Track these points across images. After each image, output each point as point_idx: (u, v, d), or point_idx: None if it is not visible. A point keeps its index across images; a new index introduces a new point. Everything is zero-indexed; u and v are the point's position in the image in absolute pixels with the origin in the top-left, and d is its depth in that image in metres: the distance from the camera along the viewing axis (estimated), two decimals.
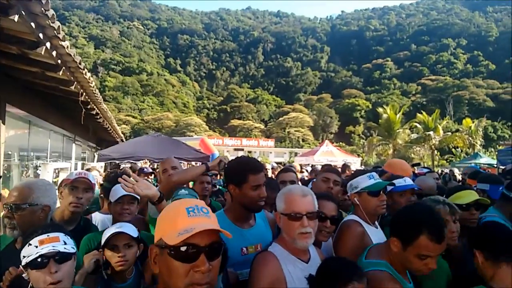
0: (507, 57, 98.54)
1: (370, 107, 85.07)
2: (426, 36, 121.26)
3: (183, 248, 1.19)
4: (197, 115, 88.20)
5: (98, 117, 8.16)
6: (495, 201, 3.28)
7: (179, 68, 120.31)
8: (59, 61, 3.99)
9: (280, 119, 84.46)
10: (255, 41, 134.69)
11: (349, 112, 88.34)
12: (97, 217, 3.58)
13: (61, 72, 4.23)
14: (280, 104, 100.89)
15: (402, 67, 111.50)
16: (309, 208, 2.01)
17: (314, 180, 3.87)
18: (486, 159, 21.88)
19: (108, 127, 10.81)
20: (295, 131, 78.33)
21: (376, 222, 2.74)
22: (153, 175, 8.84)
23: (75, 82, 5.02)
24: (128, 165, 10.31)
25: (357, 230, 2.50)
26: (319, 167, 14.97)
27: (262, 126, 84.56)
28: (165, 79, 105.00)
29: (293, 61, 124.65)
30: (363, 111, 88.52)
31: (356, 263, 1.93)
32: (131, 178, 2.41)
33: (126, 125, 69.52)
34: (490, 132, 64.04)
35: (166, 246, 1.21)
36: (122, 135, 16.57)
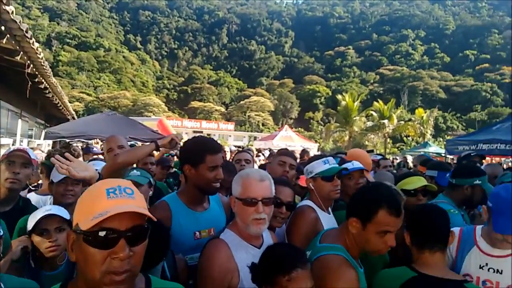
0: (461, 50, 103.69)
1: (330, 94, 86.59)
2: (387, 26, 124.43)
3: (101, 233, 1.07)
4: (156, 95, 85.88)
5: (47, 91, 7.69)
6: (444, 188, 3.42)
7: (139, 45, 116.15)
8: (2, 27, 3.66)
9: (241, 102, 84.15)
10: (220, 21, 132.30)
11: (309, 98, 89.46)
12: (32, 198, 3.29)
13: (4, 40, 3.90)
14: (242, 87, 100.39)
15: (362, 55, 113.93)
16: (266, 194, 1.94)
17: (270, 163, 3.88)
18: (435, 148, 22.91)
19: (58, 103, 10.24)
20: (256, 115, 78.42)
21: (330, 208, 2.75)
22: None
23: (21, 52, 4.65)
24: (80, 144, 9.83)
25: (310, 216, 2.49)
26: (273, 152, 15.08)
27: (223, 109, 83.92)
28: (123, 56, 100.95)
29: (257, 44, 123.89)
30: (323, 97, 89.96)
31: (301, 249, 1.88)
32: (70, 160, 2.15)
33: (80, 102, 66.59)
34: (440, 123, 67.33)
35: (81, 232, 1.09)
36: (73, 113, 15.80)
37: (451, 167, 4.15)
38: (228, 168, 2.96)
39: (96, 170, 2.26)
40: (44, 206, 2.67)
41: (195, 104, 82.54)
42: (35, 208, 2.89)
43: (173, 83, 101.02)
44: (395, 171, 5.76)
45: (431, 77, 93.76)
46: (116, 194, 1.13)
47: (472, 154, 4.80)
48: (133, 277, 1.15)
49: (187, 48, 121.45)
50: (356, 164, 3.16)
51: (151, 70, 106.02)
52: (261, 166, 4.91)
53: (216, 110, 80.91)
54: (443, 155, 15.13)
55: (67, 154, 2.08)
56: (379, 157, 6.72)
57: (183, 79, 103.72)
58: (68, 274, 2.16)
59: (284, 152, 3.60)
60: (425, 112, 32.12)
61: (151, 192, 3.32)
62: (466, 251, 2.22)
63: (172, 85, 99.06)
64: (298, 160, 4.46)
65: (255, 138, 47.35)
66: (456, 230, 2.29)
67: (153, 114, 59.98)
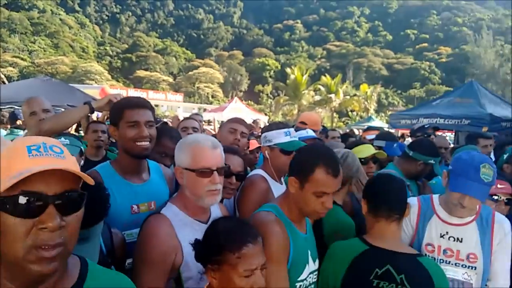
0: (403, 29, 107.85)
1: (279, 67, 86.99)
2: (334, 2, 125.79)
3: (22, 199, 0.87)
4: (97, 62, 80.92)
5: None
6: (390, 158, 3.46)
7: (77, 8, 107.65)
8: None
9: (190, 73, 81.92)
10: None
11: (259, 71, 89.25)
12: None
13: None
14: (190, 57, 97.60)
15: (310, 30, 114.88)
16: (220, 162, 1.78)
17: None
18: (378, 122, 23.92)
19: None
20: (205, 86, 76.95)
21: (282, 178, 2.63)
22: None
23: None
24: (10, 110, 8.95)
25: (261, 186, 2.38)
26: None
27: (171, 79, 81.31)
28: (60, 19, 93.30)
29: (205, 13, 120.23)
30: (272, 71, 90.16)
31: (248, 222, 1.71)
32: None
33: (13, 67, 61.17)
34: (383, 99, 70.25)
35: None
36: (3, 77, 14.39)
37: (398, 138, 4.28)
38: (172, 134, 2.67)
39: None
40: None
41: (140, 73, 79.03)
42: None
43: (116, 50, 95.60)
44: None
45: (375, 55, 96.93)
46: (40, 152, 0.93)
47: (426, 126, 4.92)
48: (65, 255, 0.96)
49: (130, 13, 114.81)
50: (310, 133, 3.10)
51: (91, 35, 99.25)
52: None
53: (163, 80, 78.13)
54: (386, 129, 15.86)
55: None
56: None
57: (126, 46, 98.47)
58: None
59: (235, 119, 3.34)
60: (369, 88, 33.29)
61: (82, 162, 3.00)
62: (427, 220, 2.21)
63: (115, 52, 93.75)
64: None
65: (204, 110, 46.65)
66: (413, 200, 2.27)
67: (95, 82, 56.70)
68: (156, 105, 51.10)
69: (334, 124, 33.72)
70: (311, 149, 1.97)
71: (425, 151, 3.06)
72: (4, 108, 8.88)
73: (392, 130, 12.35)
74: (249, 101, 66.07)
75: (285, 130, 2.50)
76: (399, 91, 79.46)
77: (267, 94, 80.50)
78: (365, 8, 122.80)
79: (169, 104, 56.84)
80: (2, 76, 13.99)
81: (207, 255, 1.53)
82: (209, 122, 11.52)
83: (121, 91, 50.64)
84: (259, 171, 2.52)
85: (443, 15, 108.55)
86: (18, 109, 8.47)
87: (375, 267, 1.82)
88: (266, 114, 37.56)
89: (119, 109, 2.05)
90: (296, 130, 3.12)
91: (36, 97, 3.04)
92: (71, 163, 0.97)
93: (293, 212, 1.87)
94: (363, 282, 1.83)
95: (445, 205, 2.17)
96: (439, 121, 9.17)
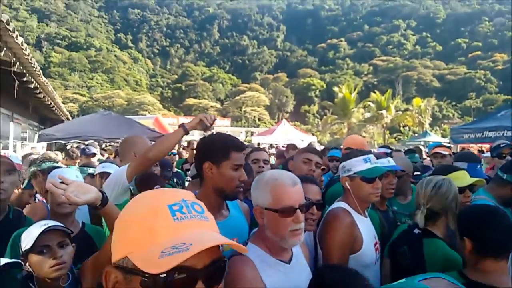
0: (453, 38, 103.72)
1: (325, 86, 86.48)
2: (378, 17, 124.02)
3: (176, 276, 0.75)
4: (150, 93, 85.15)
5: (38, 92, 7.29)
6: None
7: (130, 44, 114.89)
8: None
9: (236, 98, 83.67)
10: (210, 17, 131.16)
11: (304, 92, 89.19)
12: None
13: None
14: (236, 83, 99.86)
15: (355, 47, 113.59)
16: (301, 199, 1.68)
17: (291, 160, 3.53)
18: (435, 137, 22.82)
19: (51, 103, 9.84)
20: (251, 110, 78.07)
21: (366, 211, 2.45)
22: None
23: (5, 48, 4.27)
24: (75, 145, 9.48)
25: (345, 220, 2.22)
26: (280, 147, 14.78)
27: (218, 105, 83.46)
28: (115, 55, 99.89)
29: (249, 39, 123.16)
30: (317, 90, 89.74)
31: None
32: (64, 184, 1.75)
33: (74, 103, 65.76)
34: (436, 112, 67.34)
35: (137, 272, 0.76)
36: (67, 113, 15.40)
37: (480, 159, 3.88)
38: (246, 168, 2.63)
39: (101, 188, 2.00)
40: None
41: (190, 101, 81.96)
42: (29, 220, 2.59)
43: (166, 80, 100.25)
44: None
45: (425, 66, 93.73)
46: (184, 214, 0.82)
47: (501, 146, 4.43)
48: None
49: (178, 45, 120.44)
50: (392, 162, 2.87)
51: (143, 69, 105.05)
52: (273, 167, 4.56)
53: (211, 106, 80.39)
54: (447, 144, 15.00)
55: (60, 176, 1.72)
56: (383, 149, 6.23)
57: (176, 76, 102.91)
58: None
59: (309, 149, 3.27)
60: (422, 102, 32.00)
61: None
62: None
63: (166, 83, 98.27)
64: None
65: (252, 133, 47.11)
66: None
67: (148, 112, 59.38)
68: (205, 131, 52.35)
69: (385, 141, 32.62)
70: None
71: None
72: (68, 143, 9.44)
73: (452, 145, 11.70)
74: (296, 122, 65.96)
75: (364, 157, 2.35)
76: (453, 103, 75.79)
77: (313, 114, 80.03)
78: (411, 20, 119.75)
79: (218, 129, 57.75)
80: (66, 112, 14.98)
81: None
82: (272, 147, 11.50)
83: (172, 119, 52.75)
84: (341, 204, 2.36)
85: (496, 20, 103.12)
86: (82, 143, 8.99)
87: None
88: (313, 134, 37.20)
89: (225, 149, 1.99)
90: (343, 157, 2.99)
91: (134, 135, 3.37)
92: (213, 224, 0.88)
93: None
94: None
95: None
96: (506, 133, 8.51)
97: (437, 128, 46.15)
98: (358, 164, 2.34)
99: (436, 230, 2.13)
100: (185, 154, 7.08)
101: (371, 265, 2.22)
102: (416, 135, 28.78)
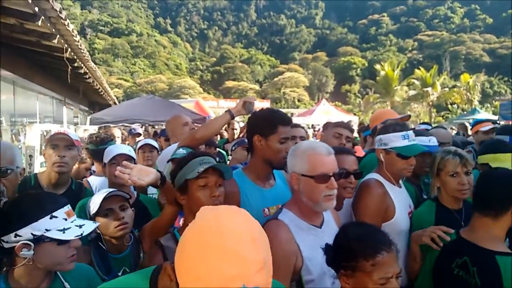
0: (505, 10, 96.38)
1: (366, 64, 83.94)
2: None
3: None
4: (190, 77, 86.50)
5: (87, 76, 7.71)
6: None
7: (169, 28, 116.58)
8: (36, 8, 3.54)
9: (275, 79, 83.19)
10: None
11: (345, 71, 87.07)
12: (94, 181, 3.37)
13: (40, 23, 3.78)
14: (275, 64, 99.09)
15: (398, 22, 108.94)
16: (335, 168, 1.82)
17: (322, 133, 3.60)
18: (484, 115, 21.67)
19: (99, 88, 10.35)
20: (291, 91, 77.44)
21: (401, 181, 2.50)
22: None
23: (58, 36, 4.56)
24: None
25: (377, 191, 2.32)
26: (317, 128, 14.64)
27: (257, 87, 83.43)
28: (155, 40, 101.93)
29: (287, 19, 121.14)
30: (359, 69, 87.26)
31: (379, 229, 1.70)
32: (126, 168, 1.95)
33: (119, 88, 68.10)
34: (487, 88, 63.60)
35: None
36: (114, 98, 16.09)
37: None
38: None
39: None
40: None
41: (229, 83, 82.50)
42: (89, 192, 2.86)
43: (205, 64, 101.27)
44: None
45: (474, 41, 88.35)
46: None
47: None
48: None
49: (216, 28, 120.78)
50: (433, 142, 2.85)
51: (183, 52, 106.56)
52: None
53: (250, 88, 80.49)
54: (497, 121, 14.25)
55: (125, 163, 1.92)
56: (423, 126, 5.97)
57: (215, 59, 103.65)
58: (135, 255, 2.10)
59: (340, 124, 3.35)
60: (471, 78, 30.33)
61: None
62: None
63: (205, 66, 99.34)
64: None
65: (292, 115, 46.80)
66: None
67: (189, 96, 60.47)
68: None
69: (432, 120, 31.38)
70: None
71: None
72: (116, 126, 9.93)
73: (503, 122, 11.14)
74: (336, 102, 64.76)
75: (403, 133, 2.37)
76: (505, 78, 71.06)
77: (354, 94, 78.12)
78: None
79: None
80: (113, 97, 15.64)
81: (340, 260, 1.53)
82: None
83: (212, 102, 53.45)
84: (374, 175, 2.43)
85: None
86: (128, 126, 9.44)
87: (457, 257, 1.89)
88: (355, 114, 36.40)
89: (272, 124, 2.15)
90: (372, 132, 2.96)
91: (179, 114, 3.64)
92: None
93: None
94: (445, 269, 1.94)
95: None
96: None
97: (488, 105, 43.69)
98: (395, 140, 2.36)
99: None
100: (226, 135, 7.24)
101: (404, 233, 2.30)
102: (464, 112, 27.46)
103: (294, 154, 1.88)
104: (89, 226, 1.54)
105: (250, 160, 2.29)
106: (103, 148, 3.02)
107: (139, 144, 4.03)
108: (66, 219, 1.48)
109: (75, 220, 1.52)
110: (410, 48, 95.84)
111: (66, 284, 1.55)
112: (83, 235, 1.49)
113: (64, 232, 1.44)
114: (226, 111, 2.63)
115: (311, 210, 1.84)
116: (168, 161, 2.75)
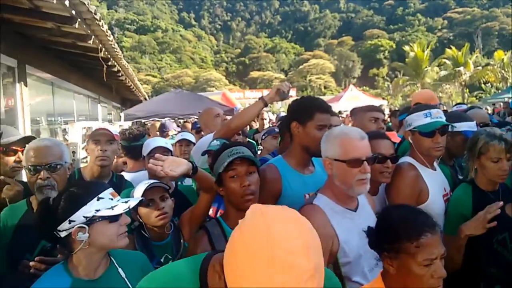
0: None
1: (394, 47, 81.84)
2: None
3: None
4: (215, 69, 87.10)
5: (120, 74, 7.98)
6: None
7: (193, 22, 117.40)
8: (73, 11, 3.73)
9: (300, 67, 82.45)
10: None
11: (372, 54, 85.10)
12: (126, 177, 3.43)
13: (77, 25, 3.98)
14: (299, 51, 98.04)
15: (426, 1, 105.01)
16: (368, 152, 1.84)
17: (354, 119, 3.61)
18: None
19: (131, 85, 10.67)
20: (317, 78, 76.56)
21: (435, 164, 2.48)
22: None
23: (93, 36, 4.77)
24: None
25: (409, 174, 2.31)
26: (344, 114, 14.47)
27: (283, 76, 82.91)
28: (180, 35, 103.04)
29: (310, 4, 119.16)
30: (386, 51, 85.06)
31: (422, 210, 1.65)
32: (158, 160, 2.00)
33: (147, 85, 69.38)
34: None
35: None
36: (145, 94, 16.52)
37: None
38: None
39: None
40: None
41: (254, 74, 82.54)
42: (129, 183, 3.00)
43: (230, 55, 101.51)
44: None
45: (507, 15, 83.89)
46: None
47: None
48: None
49: (240, 19, 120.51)
50: (473, 126, 2.75)
51: (208, 45, 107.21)
52: None
53: (275, 78, 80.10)
54: None
55: (157, 155, 1.98)
56: (464, 106, 5.88)
57: (239, 50, 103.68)
58: (175, 243, 2.23)
59: (373, 107, 3.33)
60: (506, 54, 28.99)
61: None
62: None
63: (229, 58, 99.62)
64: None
65: None
66: None
67: (215, 88, 60.98)
68: (271, 103, 52.49)
69: (465, 100, 30.29)
70: None
71: None
72: (147, 121, 10.23)
73: None
74: (364, 87, 63.51)
75: (425, 111, 2.35)
76: None
77: (383, 77, 76.33)
78: None
79: (284, 100, 57.86)
80: (144, 92, 16.05)
81: (383, 243, 1.53)
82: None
83: (238, 93, 53.63)
84: (406, 158, 2.43)
85: None
86: (159, 121, 9.69)
87: (497, 233, 2.00)
88: (383, 98, 35.61)
89: (310, 110, 2.19)
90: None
91: (210, 107, 3.86)
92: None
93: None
94: (485, 243, 2.05)
95: None
96: None
97: None
98: (417, 119, 2.35)
99: None
100: (255, 125, 7.31)
101: (439, 215, 2.27)
102: (499, 91, 26.35)
103: (327, 139, 1.91)
104: (134, 201, 1.66)
105: (290, 146, 2.33)
106: (136, 145, 3.18)
107: (176, 139, 4.17)
108: (112, 199, 1.57)
109: (120, 199, 1.61)
110: (439, 27, 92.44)
111: (120, 270, 1.62)
112: (130, 208, 1.60)
113: (112, 209, 1.54)
114: (259, 99, 2.66)
115: (345, 194, 1.86)
116: (202, 154, 2.83)
